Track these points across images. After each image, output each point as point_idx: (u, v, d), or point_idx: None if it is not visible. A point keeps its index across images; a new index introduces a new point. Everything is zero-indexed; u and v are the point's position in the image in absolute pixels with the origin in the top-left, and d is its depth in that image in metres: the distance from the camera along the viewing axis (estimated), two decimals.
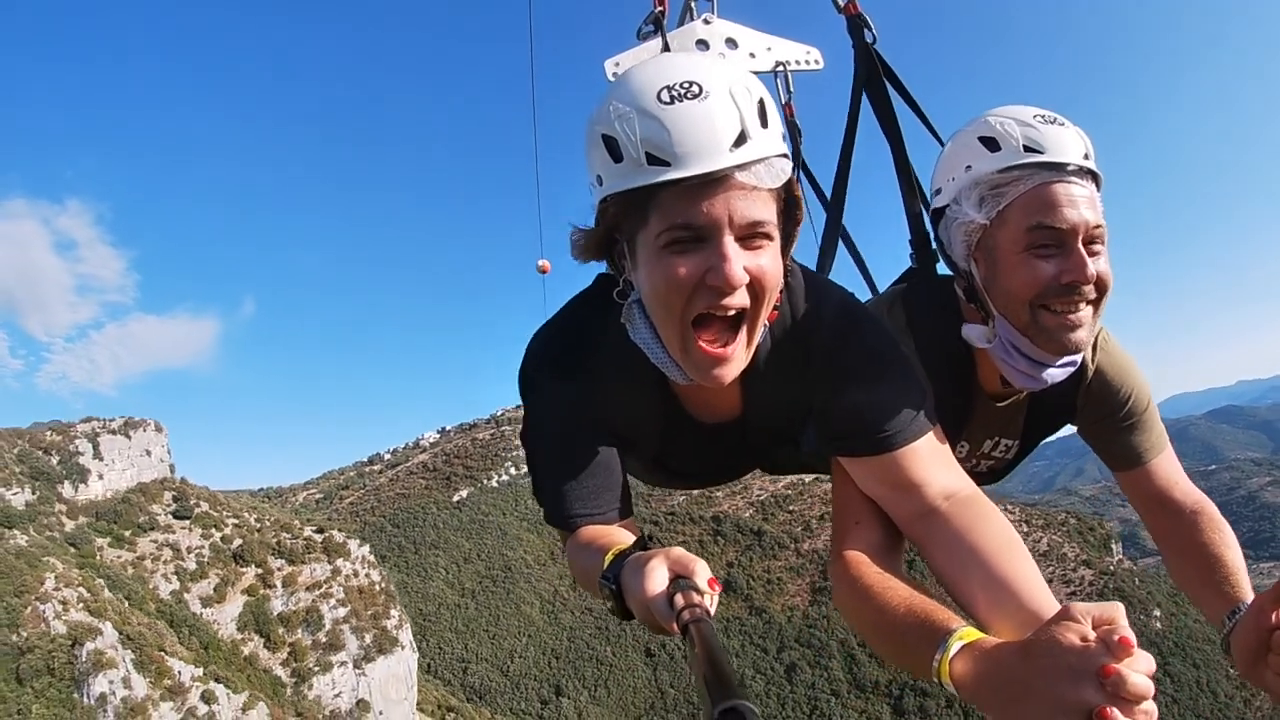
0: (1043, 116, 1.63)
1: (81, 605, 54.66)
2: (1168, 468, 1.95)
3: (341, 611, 68.81)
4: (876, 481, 1.52)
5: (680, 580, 1.04)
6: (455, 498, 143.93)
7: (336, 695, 63.59)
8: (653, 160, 1.19)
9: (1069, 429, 2.11)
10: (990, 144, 1.65)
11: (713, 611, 1.00)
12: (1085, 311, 1.60)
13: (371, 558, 79.12)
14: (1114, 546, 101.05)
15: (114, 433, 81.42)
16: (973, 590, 1.30)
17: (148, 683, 51.13)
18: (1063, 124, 1.62)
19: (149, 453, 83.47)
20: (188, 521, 75.99)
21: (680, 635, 0.96)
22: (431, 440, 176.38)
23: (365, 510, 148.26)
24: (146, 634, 54.86)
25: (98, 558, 67.20)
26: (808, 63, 3.47)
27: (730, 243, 1.23)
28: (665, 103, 1.19)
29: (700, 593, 1.01)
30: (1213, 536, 1.83)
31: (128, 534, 72.39)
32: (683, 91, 1.20)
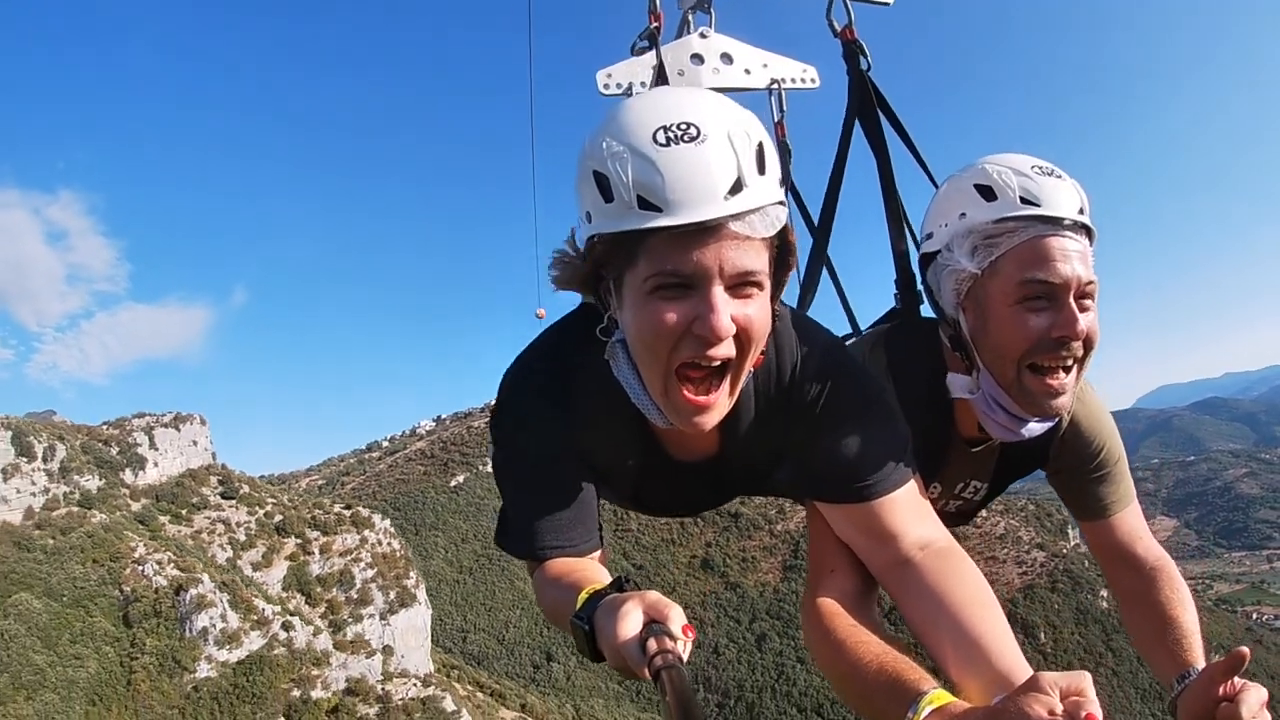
0: (1040, 168, 1.61)
1: (172, 564, 68.76)
2: (1132, 522, 1.96)
3: (370, 573, 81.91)
4: (853, 529, 1.50)
5: (654, 625, 1.02)
6: (452, 483, 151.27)
7: (367, 640, 76.86)
8: (644, 204, 1.15)
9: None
10: (986, 193, 1.62)
11: (685, 658, 0.99)
12: (1069, 377, 1.61)
13: (391, 529, 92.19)
14: (1070, 531, 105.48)
15: (166, 426, 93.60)
16: (943, 645, 1.31)
17: (239, 617, 65.86)
18: (1060, 177, 1.60)
19: (195, 443, 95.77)
20: (234, 501, 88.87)
21: (652, 681, 0.94)
22: (428, 428, 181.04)
23: (367, 495, 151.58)
24: (231, 582, 68.99)
25: (164, 532, 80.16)
26: (803, 81, 3.45)
27: (719, 293, 1.19)
28: (661, 144, 1.14)
29: (674, 639, 0.99)
30: (1170, 595, 1.83)
31: (184, 512, 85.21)
32: (680, 133, 1.15)
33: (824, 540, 1.57)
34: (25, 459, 77.84)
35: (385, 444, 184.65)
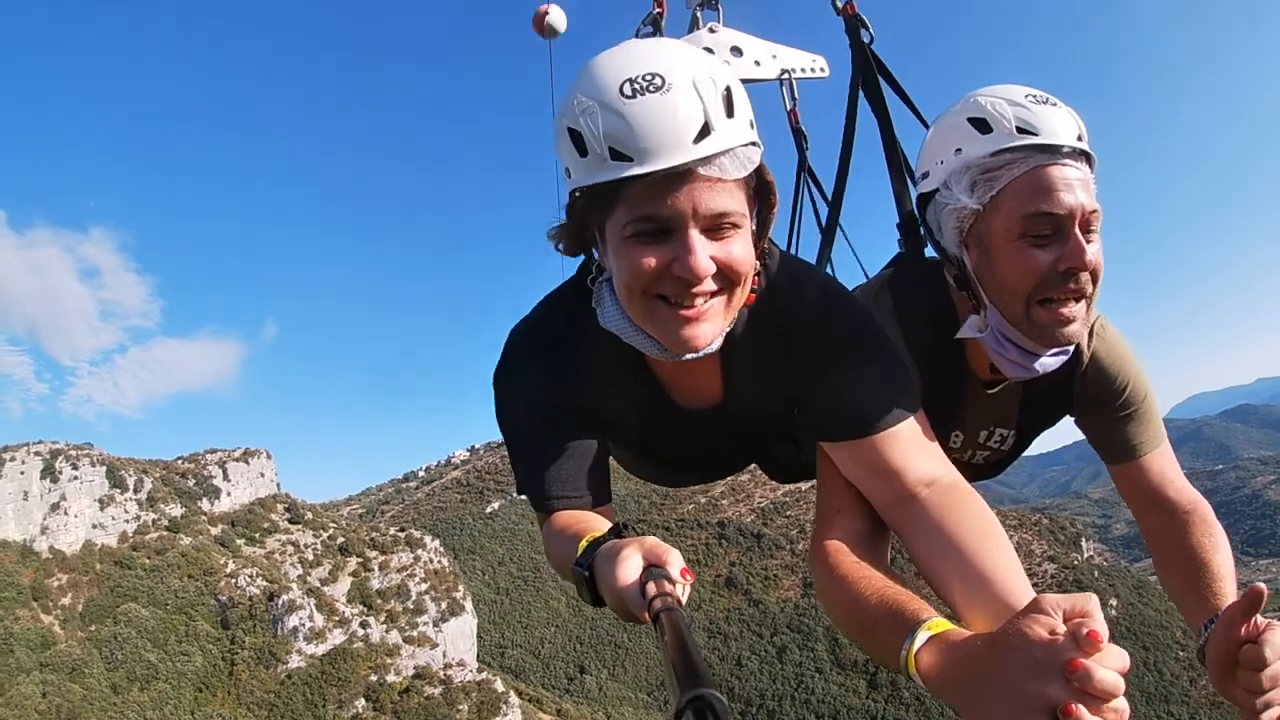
0: (1034, 96, 1.56)
1: (260, 577, 78.89)
2: (1163, 463, 1.88)
3: (423, 586, 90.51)
4: (857, 466, 1.48)
5: (653, 569, 1.03)
6: (488, 509, 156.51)
7: (429, 637, 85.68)
8: (616, 155, 1.18)
9: (1077, 433, 2.04)
10: (981, 125, 1.57)
11: (684, 600, 0.99)
12: (1079, 306, 1.56)
13: (441, 548, 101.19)
14: (1083, 544, 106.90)
15: (236, 460, 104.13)
16: (949, 579, 1.28)
17: (323, 618, 76.12)
18: (1055, 104, 1.55)
19: (263, 475, 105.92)
20: (300, 525, 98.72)
21: (651, 624, 0.95)
22: (462, 458, 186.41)
23: (407, 522, 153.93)
24: (316, 589, 79.06)
25: (241, 553, 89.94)
26: (813, 70, 3.45)
27: (695, 235, 1.21)
28: (627, 96, 1.17)
29: (672, 582, 1.00)
30: (1202, 540, 1.75)
31: (257, 535, 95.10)
32: (645, 84, 1.17)
33: (831, 483, 1.54)
34: (119, 490, 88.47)
35: (421, 474, 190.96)
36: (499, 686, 76.86)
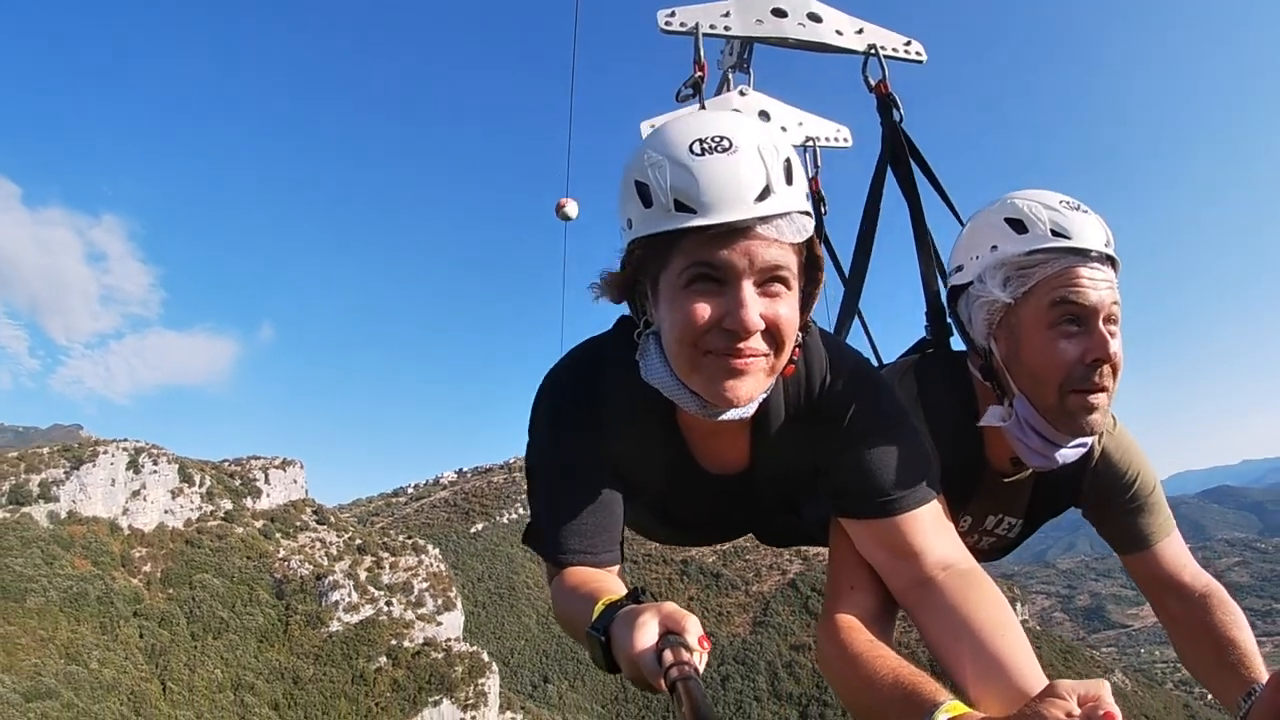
0: (1068, 203, 1.64)
1: (307, 562, 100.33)
2: (1175, 550, 1.91)
3: (425, 585, 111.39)
4: (875, 545, 1.49)
5: (670, 636, 1.01)
6: (472, 530, 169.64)
7: (422, 631, 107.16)
8: (680, 207, 1.22)
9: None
10: (1018, 226, 1.65)
11: (701, 670, 0.97)
12: (1103, 396, 1.61)
13: (439, 554, 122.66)
14: (1019, 607, 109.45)
15: (276, 467, 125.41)
16: (962, 663, 1.27)
17: (358, 595, 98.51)
18: (1086, 211, 1.63)
19: (295, 481, 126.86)
20: (326, 526, 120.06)
21: (668, 692, 0.93)
22: (450, 479, 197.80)
23: (398, 534, 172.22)
24: (353, 574, 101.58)
25: (281, 544, 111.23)
26: (837, 140, 3.54)
27: (748, 288, 1.24)
28: (696, 154, 1.23)
29: (690, 650, 0.98)
30: (1223, 618, 1.78)
31: (291, 531, 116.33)
32: (714, 145, 1.23)
33: (846, 557, 1.55)
34: (186, 484, 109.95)
35: (411, 490, 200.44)
36: (485, 657, 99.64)
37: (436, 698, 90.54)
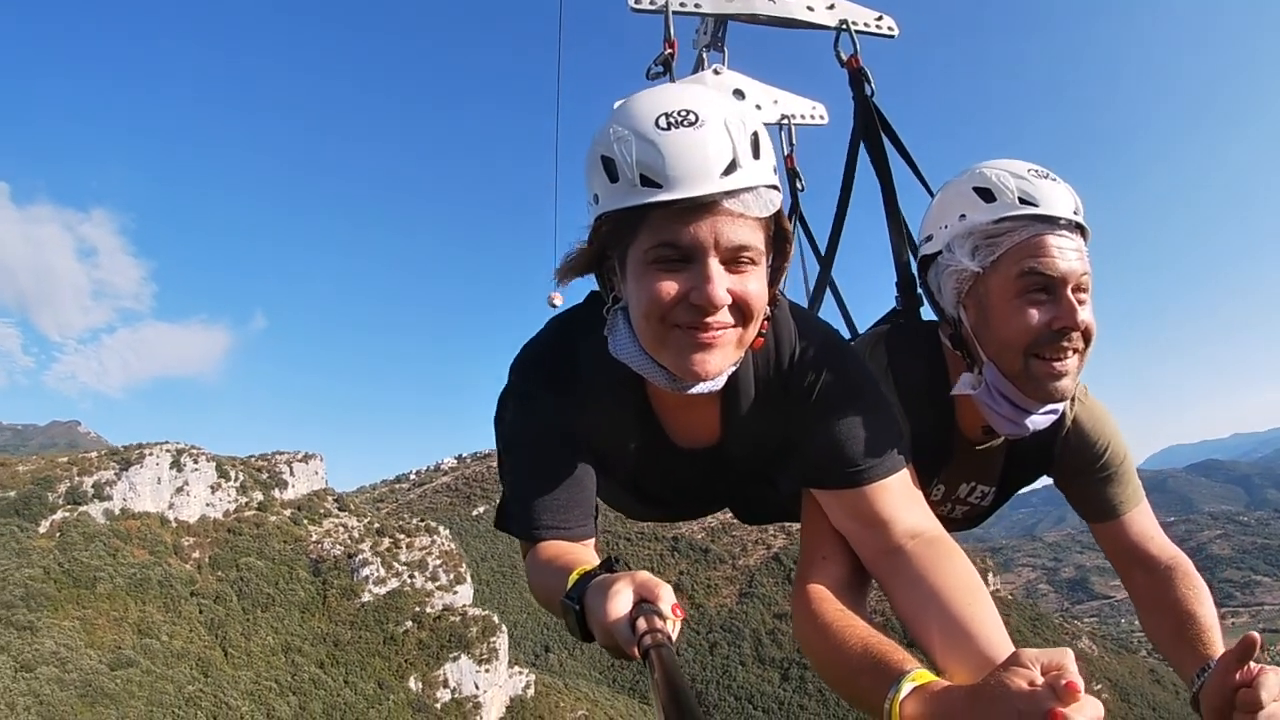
0: (1036, 170, 1.64)
1: (338, 544, 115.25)
2: (1143, 521, 1.92)
3: (438, 562, 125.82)
4: (845, 515, 1.50)
5: (644, 604, 1.02)
6: (474, 512, 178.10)
7: (440, 600, 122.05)
8: (646, 182, 1.22)
9: (1044, 479, 2.09)
10: (985, 195, 1.65)
11: (675, 637, 0.99)
12: (1072, 360, 1.61)
13: (450, 535, 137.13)
14: (989, 577, 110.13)
15: (299, 461, 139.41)
16: (930, 631, 1.29)
17: (386, 570, 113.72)
18: (1055, 179, 1.62)
19: (317, 473, 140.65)
20: (347, 513, 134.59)
21: (641, 660, 0.95)
22: (450, 465, 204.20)
23: (403, 519, 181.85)
24: (382, 550, 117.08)
25: (309, 530, 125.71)
26: (812, 117, 3.52)
27: (714, 264, 1.24)
28: (662, 128, 1.22)
29: (663, 618, 0.99)
30: (1186, 593, 1.78)
31: (316, 518, 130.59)
32: (680, 119, 1.23)
33: (817, 528, 1.56)
34: (223, 479, 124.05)
35: (413, 476, 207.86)
36: (495, 620, 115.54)
37: (456, 654, 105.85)
